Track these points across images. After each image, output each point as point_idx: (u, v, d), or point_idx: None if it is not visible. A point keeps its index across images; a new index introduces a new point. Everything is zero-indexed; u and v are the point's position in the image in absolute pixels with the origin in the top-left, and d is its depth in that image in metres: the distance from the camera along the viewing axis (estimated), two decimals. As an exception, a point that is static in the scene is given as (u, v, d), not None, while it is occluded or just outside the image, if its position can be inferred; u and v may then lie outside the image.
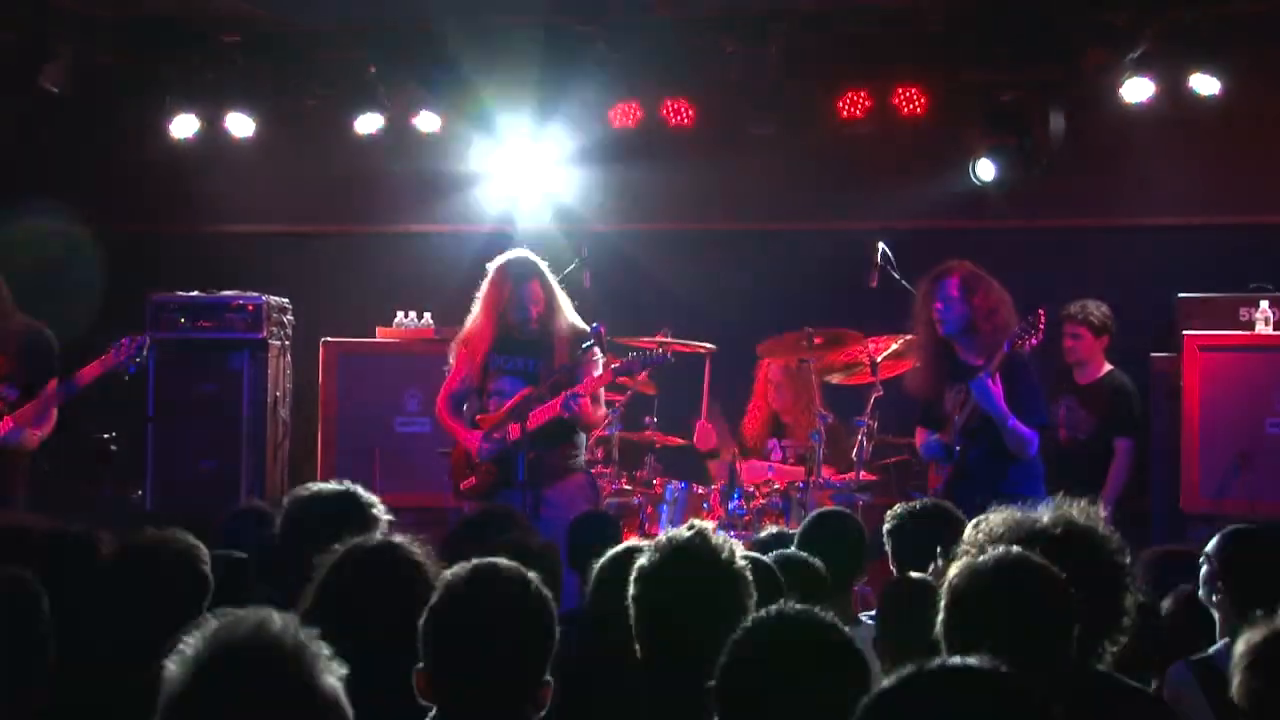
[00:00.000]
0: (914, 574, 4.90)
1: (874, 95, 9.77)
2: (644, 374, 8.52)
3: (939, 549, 5.35)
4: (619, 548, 4.63)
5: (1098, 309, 9.16)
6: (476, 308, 8.17)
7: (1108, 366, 9.25)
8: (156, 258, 11.13)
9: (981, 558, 3.65)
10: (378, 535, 4.54)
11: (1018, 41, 9.42)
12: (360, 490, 5.02)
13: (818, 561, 5.08)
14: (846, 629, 3.26)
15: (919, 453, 7.99)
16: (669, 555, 3.81)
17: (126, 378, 8.49)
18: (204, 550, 4.43)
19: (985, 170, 9.77)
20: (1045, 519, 4.06)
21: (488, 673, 3.22)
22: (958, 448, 7.60)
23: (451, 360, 8.28)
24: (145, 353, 8.40)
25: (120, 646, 3.72)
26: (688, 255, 10.63)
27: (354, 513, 5.01)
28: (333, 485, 5.06)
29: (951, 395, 7.73)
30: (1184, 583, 4.90)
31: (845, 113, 9.84)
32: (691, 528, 3.86)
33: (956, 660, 2.82)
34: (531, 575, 3.36)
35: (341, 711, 2.67)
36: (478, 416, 8.10)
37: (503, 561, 3.41)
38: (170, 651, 2.76)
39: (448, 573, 3.39)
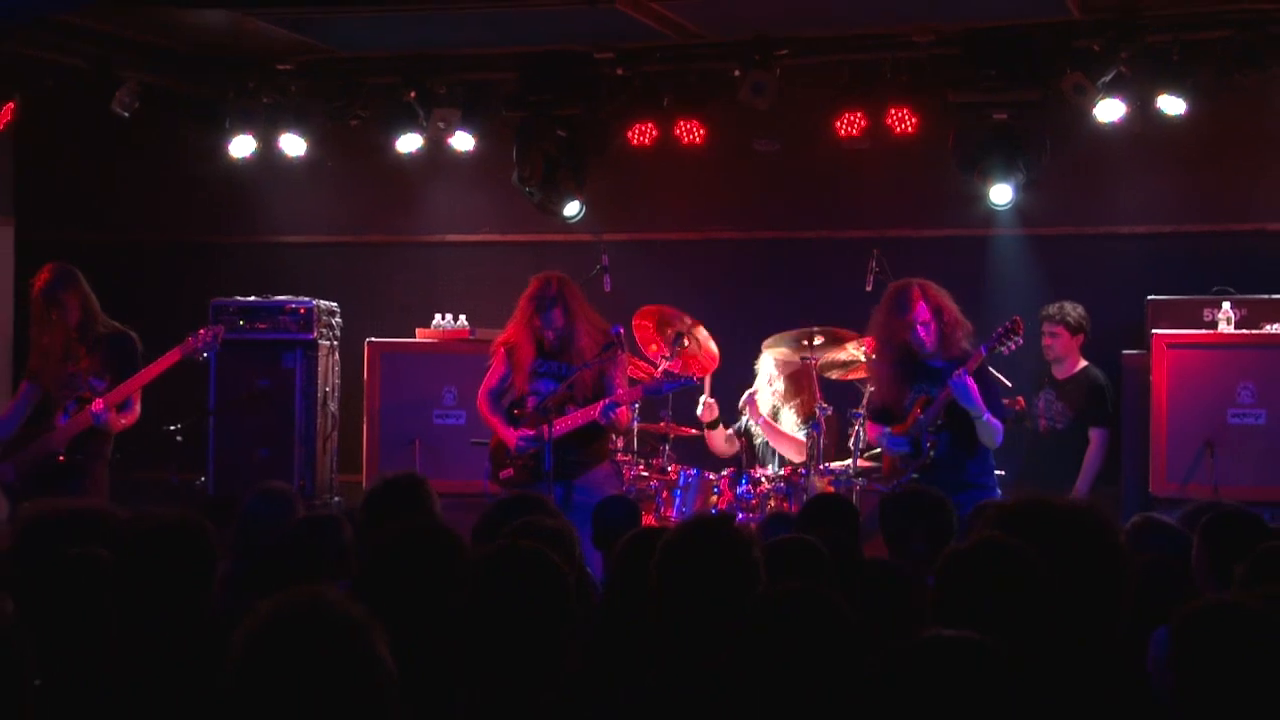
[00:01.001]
0: (883, 559, 4.94)
1: (869, 115, 9.76)
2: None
3: (923, 533, 5.38)
4: (638, 529, 4.64)
5: (1074, 309, 9.22)
6: (514, 322, 8.40)
7: (1083, 362, 9.31)
8: (217, 265, 11.21)
9: (964, 542, 3.67)
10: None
11: (1001, 65, 9.40)
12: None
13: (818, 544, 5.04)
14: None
15: (883, 446, 7.98)
16: (690, 536, 3.83)
17: (202, 358, 8.81)
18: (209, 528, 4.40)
19: (1000, 195, 9.71)
20: (1052, 504, 4.05)
21: (510, 643, 3.24)
22: (928, 444, 7.62)
23: (491, 359, 8.46)
24: (218, 341, 8.65)
25: (161, 618, 3.76)
26: (699, 262, 10.69)
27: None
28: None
29: (912, 394, 7.76)
30: (1154, 548, 4.90)
31: (842, 131, 9.84)
32: (714, 513, 3.86)
33: (938, 632, 2.87)
34: (550, 554, 3.38)
35: (391, 679, 2.70)
36: (515, 411, 8.22)
37: (524, 543, 3.44)
38: (211, 621, 2.79)
39: (475, 554, 3.42)
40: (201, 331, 8.57)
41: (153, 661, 3.73)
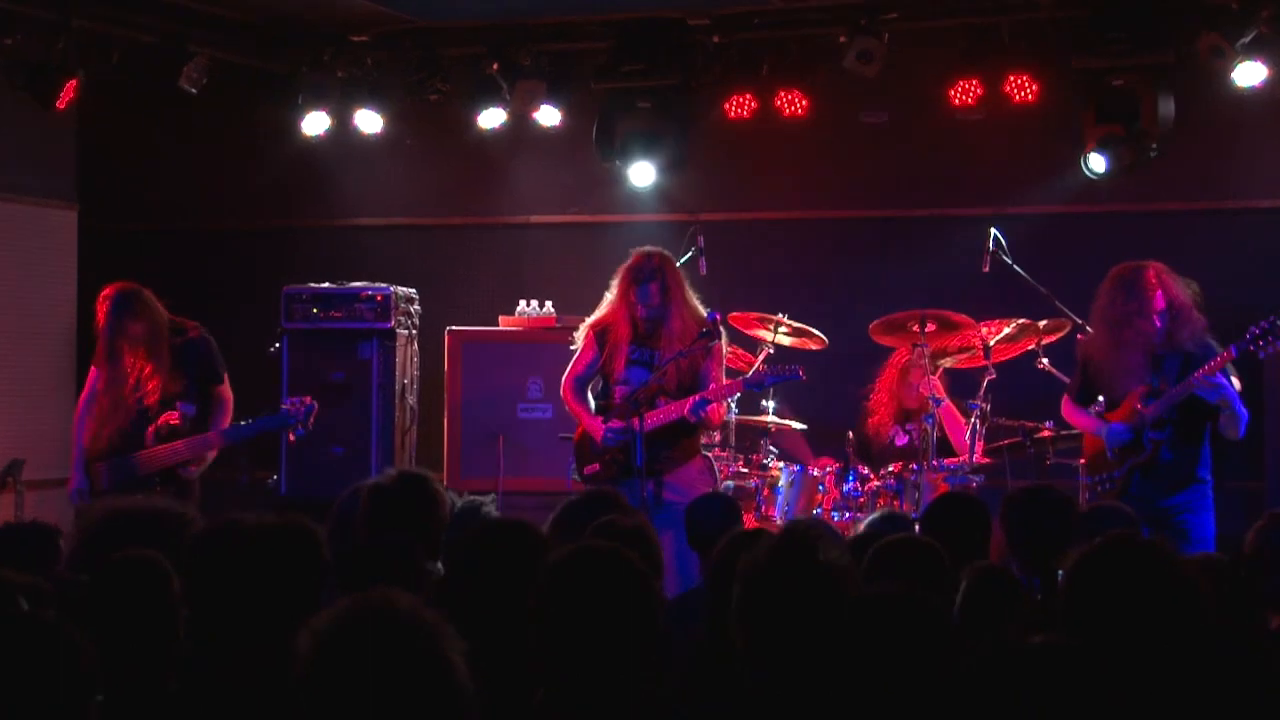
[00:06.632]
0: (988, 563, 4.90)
1: (985, 83, 9.66)
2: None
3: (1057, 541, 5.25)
4: (735, 532, 4.59)
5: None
6: (610, 300, 8.27)
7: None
8: (289, 251, 11.31)
9: (1092, 545, 3.64)
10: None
11: (1129, 27, 9.28)
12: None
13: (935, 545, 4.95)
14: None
15: (1096, 433, 7.72)
16: (772, 559, 3.76)
17: (292, 438, 8.58)
18: (321, 533, 4.38)
19: (1096, 163, 9.59)
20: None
21: (589, 648, 3.23)
22: (1149, 440, 7.44)
23: (579, 343, 8.31)
24: (310, 419, 8.35)
25: (246, 625, 3.74)
26: (801, 243, 10.62)
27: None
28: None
29: (1131, 382, 7.51)
30: None
31: (956, 100, 9.75)
32: (802, 525, 3.82)
33: (1040, 640, 2.89)
34: (631, 555, 3.37)
35: (466, 684, 2.72)
36: (601, 403, 8.17)
37: (601, 543, 3.43)
38: (295, 628, 2.80)
39: (551, 555, 3.43)
40: (295, 401, 8.38)
41: (228, 668, 3.73)
